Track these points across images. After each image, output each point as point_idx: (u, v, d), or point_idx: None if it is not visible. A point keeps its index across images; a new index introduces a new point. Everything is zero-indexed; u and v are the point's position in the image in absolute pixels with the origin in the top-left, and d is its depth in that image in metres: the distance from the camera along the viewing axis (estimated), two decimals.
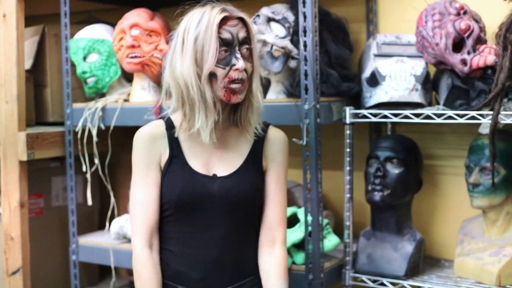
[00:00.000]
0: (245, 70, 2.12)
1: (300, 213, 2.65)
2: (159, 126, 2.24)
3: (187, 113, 2.16)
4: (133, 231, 2.20)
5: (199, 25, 2.10)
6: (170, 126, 2.23)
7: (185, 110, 2.16)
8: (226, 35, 2.10)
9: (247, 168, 2.22)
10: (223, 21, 2.10)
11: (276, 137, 2.28)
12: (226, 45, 2.11)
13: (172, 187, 2.17)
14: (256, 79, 2.18)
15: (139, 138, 2.22)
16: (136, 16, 2.98)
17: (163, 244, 2.21)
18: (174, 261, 2.19)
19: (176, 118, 2.24)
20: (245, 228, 2.22)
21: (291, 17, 2.64)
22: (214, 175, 2.19)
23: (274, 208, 2.25)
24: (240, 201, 2.18)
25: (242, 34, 2.12)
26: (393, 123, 2.93)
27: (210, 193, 2.16)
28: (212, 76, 2.11)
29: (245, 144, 2.24)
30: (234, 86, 2.11)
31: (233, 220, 2.18)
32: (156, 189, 2.19)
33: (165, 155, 2.20)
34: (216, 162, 2.21)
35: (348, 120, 2.59)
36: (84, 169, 3.13)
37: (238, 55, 2.11)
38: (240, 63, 2.10)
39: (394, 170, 2.62)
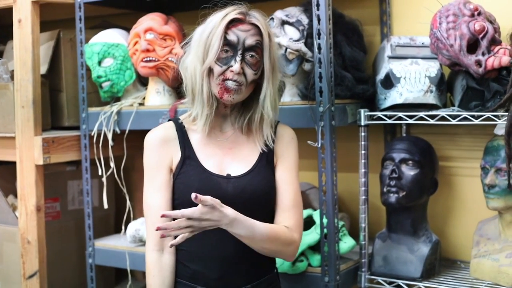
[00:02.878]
0: (244, 75, 2.14)
1: (316, 215, 2.66)
2: (169, 127, 2.27)
3: (192, 103, 2.22)
4: (146, 235, 2.25)
5: (213, 22, 2.15)
6: (180, 127, 2.25)
7: (191, 100, 2.22)
8: (232, 37, 2.13)
9: (261, 167, 2.23)
10: (234, 23, 2.14)
11: (283, 133, 2.30)
12: (230, 46, 2.14)
13: (186, 188, 2.17)
14: (268, 90, 2.18)
15: (148, 141, 2.25)
16: (151, 21, 2.99)
17: (179, 245, 2.21)
18: (191, 261, 2.20)
19: (186, 119, 2.27)
20: None
21: (305, 20, 2.64)
22: (228, 175, 2.20)
23: (288, 191, 2.24)
24: (254, 200, 2.18)
25: (250, 41, 2.14)
26: (408, 125, 2.92)
27: (225, 193, 2.16)
28: (210, 71, 2.15)
29: (257, 144, 2.25)
30: (229, 83, 2.13)
31: None
32: (166, 192, 2.21)
33: (177, 157, 2.22)
34: (229, 162, 2.22)
35: (363, 122, 2.59)
36: (100, 172, 3.14)
37: (238, 59, 2.13)
38: (236, 66, 2.12)
39: (409, 172, 2.62)
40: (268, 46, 2.16)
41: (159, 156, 2.22)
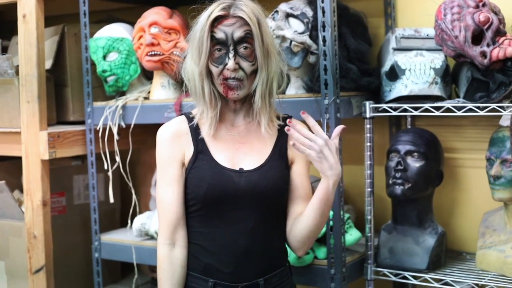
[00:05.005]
0: (242, 69, 2.14)
1: None
2: (182, 122, 2.27)
3: (198, 105, 2.24)
4: (158, 228, 2.26)
5: (199, 24, 2.15)
6: (192, 121, 2.25)
7: (196, 102, 2.24)
8: (220, 34, 2.13)
9: (273, 161, 2.22)
10: (219, 20, 2.13)
11: None
12: (221, 44, 2.13)
13: (199, 182, 2.18)
14: (260, 78, 2.17)
15: (161, 135, 2.25)
16: (155, 14, 2.99)
17: (191, 239, 2.23)
18: (204, 255, 2.20)
19: (198, 114, 2.27)
20: (273, 220, 2.23)
21: (309, 13, 2.64)
22: (241, 169, 2.19)
23: (303, 189, 2.27)
24: (267, 194, 2.18)
25: (238, 34, 2.13)
26: (413, 117, 2.92)
27: (238, 187, 2.17)
28: (211, 73, 2.16)
29: (269, 138, 2.25)
30: (230, 81, 2.14)
31: (260, 213, 2.19)
32: (178, 186, 2.21)
33: (189, 151, 2.22)
34: (242, 156, 2.22)
35: (368, 114, 2.59)
36: (105, 167, 3.14)
37: (231, 55, 2.12)
38: (230, 63, 2.12)
39: (414, 163, 2.62)
40: (258, 33, 2.14)
41: (171, 150, 2.22)
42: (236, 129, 2.25)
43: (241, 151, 2.23)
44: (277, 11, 2.65)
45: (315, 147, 2.07)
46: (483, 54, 2.39)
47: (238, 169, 2.20)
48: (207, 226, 2.20)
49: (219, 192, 2.16)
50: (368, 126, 2.60)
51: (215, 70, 2.14)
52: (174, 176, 2.21)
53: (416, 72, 2.58)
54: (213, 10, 2.13)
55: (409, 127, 2.93)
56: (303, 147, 2.09)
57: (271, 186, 2.18)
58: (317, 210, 2.16)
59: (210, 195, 2.16)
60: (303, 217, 2.20)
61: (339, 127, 2.13)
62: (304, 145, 2.08)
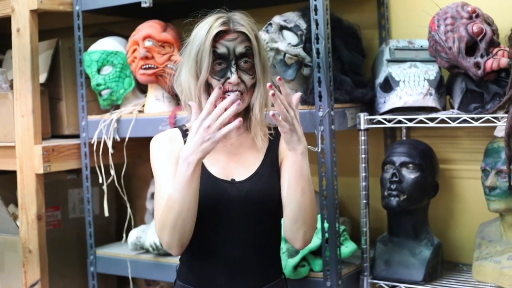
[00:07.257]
0: (243, 82, 2.15)
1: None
2: (175, 133, 2.27)
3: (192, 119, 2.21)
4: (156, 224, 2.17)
5: (198, 37, 2.15)
6: (186, 134, 2.24)
7: (190, 115, 2.22)
8: (222, 49, 2.13)
9: (264, 170, 2.22)
10: (221, 35, 2.13)
11: None
12: (222, 58, 2.14)
13: None
14: (258, 92, 2.18)
15: (156, 141, 2.24)
16: (149, 28, 2.99)
17: (185, 250, 2.21)
18: (198, 266, 2.20)
19: (190, 126, 2.26)
20: (267, 230, 2.22)
21: (303, 25, 2.64)
22: (233, 180, 2.19)
23: None
24: (259, 204, 2.18)
25: (240, 49, 2.14)
26: (408, 128, 2.92)
27: (230, 198, 2.16)
28: (210, 86, 2.16)
29: (260, 147, 2.25)
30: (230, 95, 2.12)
31: (254, 224, 2.18)
32: None
33: None
34: (234, 167, 2.22)
35: (362, 126, 2.59)
36: (100, 180, 3.14)
37: (233, 69, 2.13)
38: (233, 77, 2.12)
39: (410, 175, 2.62)
40: (257, 48, 2.16)
41: (169, 150, 2.20)
42: (229, 141, 2.25)
43: (233, 162, 2.23)
44: (270, 24, 2.66)
45: (289, 118, 2.03)
46: (477, 65, 2.40)
47: (230, 180, 2.19)
48: (201, 238, 2.18)
49: (212, 202, 2.15)
50: (362, 138, 2.60)
51: (215, 83, 2.14)
52: (174, 173, 2.14)
53: (410, 83, 2.58)
54: (212, 25, 2.13)
55: (404, 138, 2.92)
56: (279, 119, 2.04)
57: (262, 194, 2.18)
58: (295, 187, 2.11)
59: (203, 206, 2.15)
60: (286, 202, 2.16)
61: (297, 94, 2.08)
62: (282, 113, 2.02)
